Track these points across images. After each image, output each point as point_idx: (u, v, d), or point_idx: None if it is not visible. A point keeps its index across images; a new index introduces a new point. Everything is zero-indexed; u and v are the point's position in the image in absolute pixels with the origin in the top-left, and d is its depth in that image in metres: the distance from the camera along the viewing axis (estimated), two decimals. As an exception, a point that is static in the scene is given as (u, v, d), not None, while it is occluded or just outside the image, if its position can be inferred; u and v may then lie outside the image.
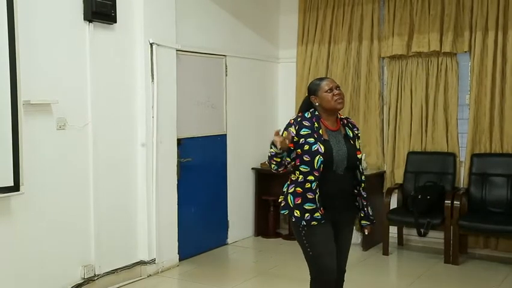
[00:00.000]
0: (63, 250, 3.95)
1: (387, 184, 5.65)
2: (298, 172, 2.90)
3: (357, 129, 3.09)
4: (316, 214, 2.85)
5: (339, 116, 3.03)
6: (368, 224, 3.06)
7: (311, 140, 2.87)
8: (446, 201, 4.93)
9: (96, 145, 4.14)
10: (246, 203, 5.89)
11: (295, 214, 2.88)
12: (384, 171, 5.71)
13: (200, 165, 5.25)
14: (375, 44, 5.69)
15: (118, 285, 4.34)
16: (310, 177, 2.85)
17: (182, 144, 4.97)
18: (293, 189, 2.92)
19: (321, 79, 3.05)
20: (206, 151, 5.34)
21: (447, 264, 4.90)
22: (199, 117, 5.25)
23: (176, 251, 4.90)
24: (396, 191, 5.51)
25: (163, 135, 4.66)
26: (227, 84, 5.55)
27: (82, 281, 4.09)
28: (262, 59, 6.04)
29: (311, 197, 2.85)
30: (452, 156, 5.34)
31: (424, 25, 5.38)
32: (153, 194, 4.59)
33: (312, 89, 3.01)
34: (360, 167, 3.00)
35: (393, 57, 5.62)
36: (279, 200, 3.03)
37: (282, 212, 2.98)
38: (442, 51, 5.31)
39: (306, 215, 2.85)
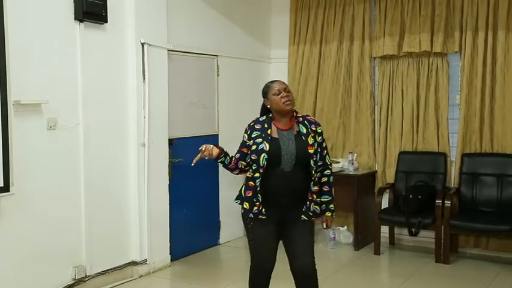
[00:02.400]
0: (54, 251, 3.93)
1: (379, 184, 5.67)
2: (251, 170, 3.08)
3: (316, 125, 3.11)
4: (263, 210, 3.02)
5: (295, 114, 3.12)
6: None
7: (259, 140, 3.04)
8: (437, 201, 4.96)
9: (87, 145, 4.12)
10: (237, 204, 5.86)
11: (245, 206, 3.08)
12: (376, 171, 5.73)
13: (192, 165, 5.22)
14: (367, 44, 5.71)
15: (109, 286, 4.32)
16: (257, 174, 3.01)
17: (174, 144, 4.96)
18: (246, 182, 3.10)
19: (272, 82, 3.16)
20: (198, 151, 5.31)
21: (438, 264, 4.92)
22: (191, 118, 5.24)
23: (168, 252, 4.89)
24: (388, 190, 5.53)
25: (154, 136, 4.65)
26: (219, 84, 5.55)
27: (73, 281, 4.07)
28: (254, 59, 6.04)
29: (258, 191, 3.01)
30: (443, 156, 5.36)
31: (415, 25, 5.41)
32: (145, 194, 4.57)
33: (264, 92, 3.16)
34: (312, 162, 3.01)
35: (384, 58, 5.64)
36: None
37: (235, 201, 3.19)
38: (433, 51, 5.34)
39: (255, 208, 3.03)
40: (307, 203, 3.05)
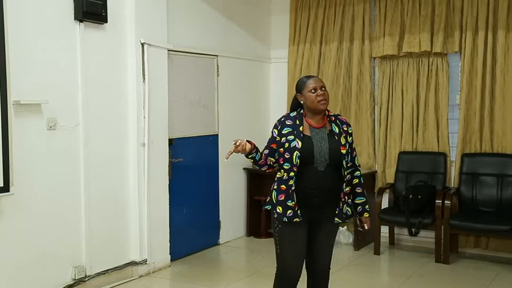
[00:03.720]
0: (53, 251, 3.93)
1: (379, 184, 5.68)
2: (282, 170, 2.96)
3: (347, 126, 3.06)
4: (298, 211, 2.91)
5: (327, 113, 3.03)
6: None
7: (291, 137, 2.92)
8: (437, 201, 4.96)
9: (87, 145, 4.12)
10: (237, 203, 5.88)
11: (278, 210, 2.94)
12: (376, 171, 5.73)
13: (192, 165, 5.24)
14: (367, 44, 5.71)
15: (109, 286, 4.32)
16: (292, 174, 2.90)
17: (174, 144, 4.96)
18: (277, 186, 2.98)
19: (308, 77, 3.05)
20: (198, 151, 5.34)
21: (438, 264, 4.93)
22: (191, 118, 5.24)
23: (168, 252, 4.89)
24: (388, 190, 5.54)
25: (154, 136, 4.65)
26: (219, 84, 5.55)
27: (73, 282, 4.07)
28: (254, 59, 6.04)
29: (292, 192, 2.90)
30: (443, 156, 5.37)
31: (415, 25, 5.41)
32: (145, 194, 4.57)
33: (298, 87, 3.04)
34: (345, 163, 2.96)
35: (384, 58, 5.64)
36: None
37: (266, 207, 3.06)
38: (433, 51, 5.34)
39: (289, 211, 2.91)
40: (340, 204, 2.98)
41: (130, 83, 4.48)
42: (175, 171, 4.97)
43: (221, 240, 5.67)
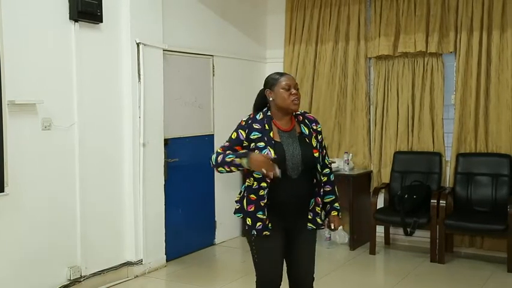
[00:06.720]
0: (49, 251, 3.92)
1: (374, 184, 5.68)
2: (252, 178, 2.76)
3: (316, 123, 2.86)
4: (269, 224, 2.75)
5: (294, 112, 2.83)
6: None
7: (261, 144, 2.71)
8: (432, 201, 4.97)
9: (82, 145, 4.11)
10: (233, 203, 5.84)
11: (247, 222, 2.78)
12: (371, 171, 5.74)
13: (187, 165, 5.23)
14: (362, 44, 5.72)
15: (104, 287, 4.31)
16: (263, 184, 2.71)
17: (170, 144, 4.95)
18: (247, 194, 2.80)
19: (281, 74, 2.84)
20: (193, 151, 5.33)
21: (433, 263, 4.94)
22: (186, 118, 5.24)
23: (164, 252, 4.88)
24: (383, 190, 5.54)
25: (149, 136, 4.64)
26: (214, 84, 5.55)
27: (68, 282, 4.06)
28: (249, 59, 6.04)
29: (263, 204, 2.73)
30: (438, 155, 5.38)
31: (410, 26, 5.42)
32: (140, 195, 4.57)
33: (269, 83, 2.83)
34: (319, 166, 2.80)
35: (379, 58, 5.65)
36: (235, 200, 2.91)
37: (237, 215, 2.87)
38: (428, 51, 5.35)
39: (258, 224, 2.74)
40: (315, 209, 2.81)
41: (125, 83, 4.47)
42: (171, 172, 4.96)
43: (217, 240, 5.67)
